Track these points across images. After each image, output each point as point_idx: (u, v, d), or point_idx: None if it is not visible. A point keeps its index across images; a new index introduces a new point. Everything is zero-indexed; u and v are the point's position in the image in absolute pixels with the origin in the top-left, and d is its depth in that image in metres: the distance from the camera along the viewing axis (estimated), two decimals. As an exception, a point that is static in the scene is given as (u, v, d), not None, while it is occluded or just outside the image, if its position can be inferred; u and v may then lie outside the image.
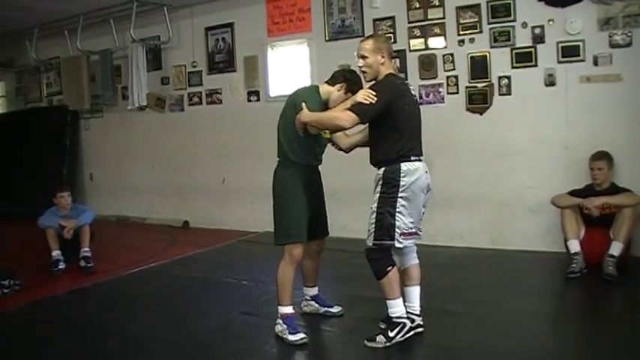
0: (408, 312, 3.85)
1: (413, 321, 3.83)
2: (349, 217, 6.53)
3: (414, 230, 3.67)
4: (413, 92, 3.81)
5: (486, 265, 5.69)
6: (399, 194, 3.58)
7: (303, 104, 3.75)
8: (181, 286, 5.42)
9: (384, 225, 3.58)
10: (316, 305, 4.33)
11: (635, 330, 3.87)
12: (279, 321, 3.90)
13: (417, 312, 3.87)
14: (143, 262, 6.25)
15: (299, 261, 3.95)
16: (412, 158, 3.64)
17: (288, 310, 3.91)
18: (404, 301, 3.83)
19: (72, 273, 5.87)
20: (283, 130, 3.97)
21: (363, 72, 3.81)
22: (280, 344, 3.83)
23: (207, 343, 3.94)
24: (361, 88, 3.84)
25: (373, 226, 3.63)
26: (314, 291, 4.35)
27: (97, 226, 6.49)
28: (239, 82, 7.84)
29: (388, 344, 3.63)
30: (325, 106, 3.93)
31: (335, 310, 4.30)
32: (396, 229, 3.58)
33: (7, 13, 7.81)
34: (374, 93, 3.58)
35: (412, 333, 3.72)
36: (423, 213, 3.78)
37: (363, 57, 3.74)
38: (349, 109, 3.63)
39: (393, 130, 3.62)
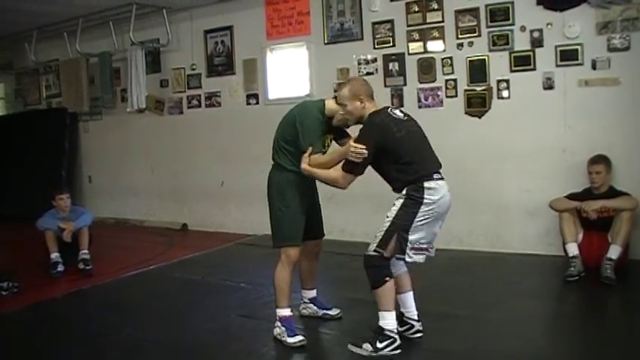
0: (406, 317, 3.86)
1: (412, 326, 3.84)
2: (347, 220, 6.53)
3: (425, 247, 3.62)
4: (404, 116, 3.72)
5: (484, 268, 5.69)
6: (421, 210, 3.50)
7: (310, 149, 3.75)
8: (180, 289, 5.42)
9: (397, 238, 3.50)
10: (315, 308, 4.33)
11: (633, 333, 3.87)
12: (278, 323, 3.91)
13: (416, 317, 3.86)
14: (141, 264, 6.24)
15: (295, 263, 3.95)
16: (435, 177, 3.59)
17: (285, 312, 3.92)
18: (400, 308, 3.85)
19: (70, 275, 5.87)
20: (278, 140, 3.99)
21: (346, 119, 3.80)
22: (279, 347, 3.84)
23: (205, 346, 3.95)
24: None
25: (382, 233, 3.56)
26: (312, 294, 4.35)
27: (95, 228, 6.49)
28: (238, 84, 7.84)
29: (374, 354, 3.56)
30: (329, 122, 3.91)
31: (333, 312, 4.30)
32: (408, 243, 3.52)
33: (6, 15, 7.81)
34: (362, 147, 3.53)
35: (397, 351, 3.59)
36: (440, 227, 3.71)
37: (342, 105, 3.73)
38: (343, 169, 3.63)
39: (399, 160, 3.58)
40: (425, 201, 3.51)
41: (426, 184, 3.53)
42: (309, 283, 4.34)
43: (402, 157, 3.58)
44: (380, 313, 3.58)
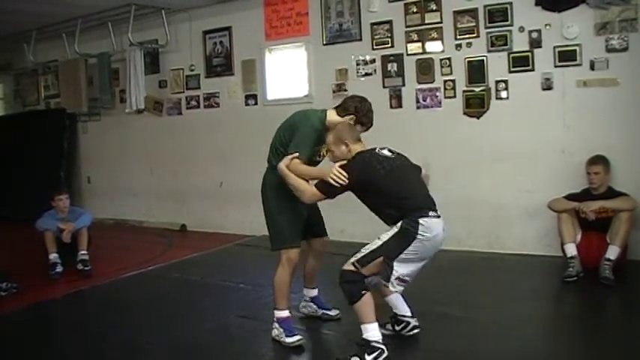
0: (400, 317, 3.87)
1: (408, 323, 3.85)
2: (347, 221, 6.53)
3: (408, 279, 3.57)
4: (391, 154, 3.73)
5: (483, 268, 5.70)
6: (413, 244, 3.46)
7: (296, 154, 3.73)
8: (178, 290, 5.42)
9: (382, 264, 3.47)
10: (314, 307, 4.33)
11: (631, 333, 3.88)
12: (276, 325, 3.92)
13: (409, 314, 3.86)
14: (141, 265, 6.25)
15: (296, 265, 3.95)
16: (430, 214, 3.54)
17: (284, 314, 3.92)
18: (393, 309, 3.86)
19: (69, 276, 5.87)
20: (275, 143, 3.99)
21: (335, 162, 3.80)
22: (277, 347, 3.84)
23: (204, 346, 3.95)
24: (372, 119, 3.89)
25: (367, 252, 3.52)
26: (314, 292, 4.35)
27: (94, 229, 6.49)
28: (237, 85, 7.84)
29: None
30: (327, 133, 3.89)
31: (333, 313, 4.30)
32: (394, 272, 3.47)
33: (5, 16, 7.81)
34: (345, 175, 3.56)
35: (385, 354, 3.51)
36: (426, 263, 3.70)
37: (330, 151, 3.78)
38: (317, 187, 3.64)
39: (387, 195, 3.57)
40: (418, 237, 3.46)
41: (422, 221, 3.48)
42: (311, 281, 4.34)
43: (389, 192, 3.57)
44: (362, 327, 3.50)
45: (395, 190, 3.57)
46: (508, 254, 5.98)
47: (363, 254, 3.53)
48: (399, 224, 3.51)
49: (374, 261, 3.49)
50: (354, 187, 3.61)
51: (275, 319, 3.92)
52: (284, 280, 3.91)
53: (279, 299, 3.93)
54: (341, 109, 3.92)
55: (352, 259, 3.53)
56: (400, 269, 3.47)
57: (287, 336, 3.83)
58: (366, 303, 3.48)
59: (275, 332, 3.90)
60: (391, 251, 3.47)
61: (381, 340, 3.48)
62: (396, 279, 3.48)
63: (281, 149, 3.92)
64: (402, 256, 3.46)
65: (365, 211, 3.75)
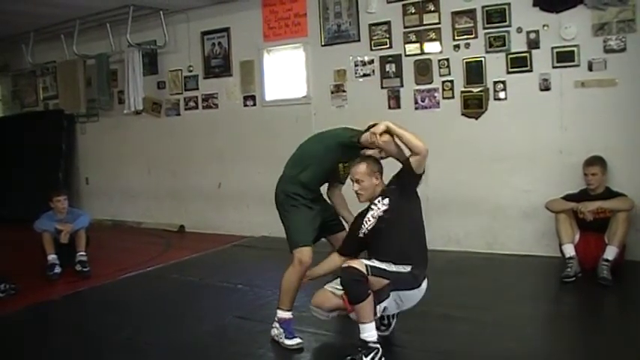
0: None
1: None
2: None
3: (383, 313, 3.66)
4: None
5: (482, 269, 5.70)
6: (412, 291, 3.60)
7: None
8: (177, 291, 5.42)
9: (386, 287, 3.50)
10: None
11: (629, 333, 3.89)
12: (276, 324, 3.90)
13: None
14: (139, 266, 6.25)
15: (307, 266, 3.90)
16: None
17: (286, 315, 3.90)
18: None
19: (68, 277, 5.87)
20: (308, 155, 3.99)
21: (359, 194, 3.76)
22: (276, 348, 3.84)
23: (202, 347, 3.95)
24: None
25: (383, 268, 3.51)
26: None
27: (92, 230, 6.50)
28: (235, 86, 7.84)
29: None
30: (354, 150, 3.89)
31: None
32: (385, 301, 3.54)
33: (3, 16, 7.81)
34: None
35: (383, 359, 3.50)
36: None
37: (358, 181, 3.73)
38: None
39: (421, 221, 3.72)
40: (419, 287, 3.63)
41: (425, 278, 3.68)
42: None
43: (421, 220, 3.74)
44: (361, 326, 3.47)
45: (424, 232, 3.76)
46: (506, 254, 5.99)
47: (376, 265, 3.51)
48: (408, 268, 3.59)
49: (382, 279, 3.49)
50: (413, 182, 3.68)
51: (277, 318, 3.90)
52: (292, 280, 3.88)
53: (283, 299, 3.91)
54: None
55: (364, 261, 3.51)
56: (389, 301, 3.56)
57: (287, 338, 3.82)
58: (369, 302, 3.47)
59: (275, 332, 3.90)
60: (398, 283, 3.54)
61: (376, 340, 3.49)
62: (382, 306, 3.56)
63: (311, 163, 3.94)
64: (399, 292, 3.57)
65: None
